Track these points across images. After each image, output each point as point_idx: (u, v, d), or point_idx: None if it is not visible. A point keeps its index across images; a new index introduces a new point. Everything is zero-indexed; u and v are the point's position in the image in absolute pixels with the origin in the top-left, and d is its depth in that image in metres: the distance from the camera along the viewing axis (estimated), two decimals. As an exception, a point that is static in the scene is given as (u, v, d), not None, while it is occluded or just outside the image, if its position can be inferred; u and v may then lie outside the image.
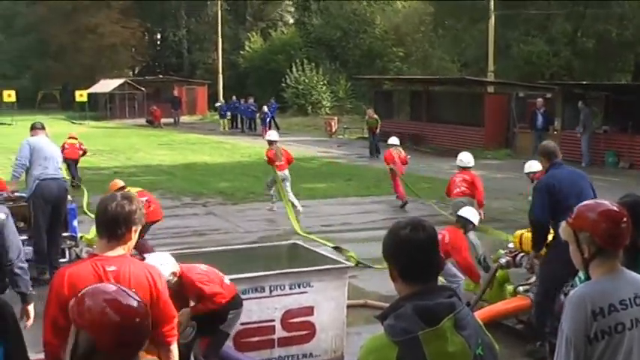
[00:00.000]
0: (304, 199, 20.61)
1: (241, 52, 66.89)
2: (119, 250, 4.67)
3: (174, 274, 7.51)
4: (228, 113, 51.69)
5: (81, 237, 14.05)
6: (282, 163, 19.02)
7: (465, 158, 15.86)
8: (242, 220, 18.48)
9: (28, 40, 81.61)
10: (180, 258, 7.96)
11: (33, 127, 13.17)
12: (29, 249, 12.92)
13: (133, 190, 15.64)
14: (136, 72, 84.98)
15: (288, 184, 18.86)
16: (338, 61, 62.65)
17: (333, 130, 45.34)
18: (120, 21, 75.39)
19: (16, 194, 13.13)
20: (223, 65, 60.01)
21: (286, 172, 19.00)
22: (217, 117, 53.50)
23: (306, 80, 57.38)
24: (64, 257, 13.39)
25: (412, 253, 3.42)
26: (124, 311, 3.11)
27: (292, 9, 73.18)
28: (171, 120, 54.77)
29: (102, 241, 4.70)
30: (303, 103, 57.50)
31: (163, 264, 7.44)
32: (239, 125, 50.54)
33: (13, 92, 58.54)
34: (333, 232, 16.64)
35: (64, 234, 13.50)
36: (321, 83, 57.73)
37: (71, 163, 23.08)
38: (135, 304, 3.18)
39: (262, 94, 56.89)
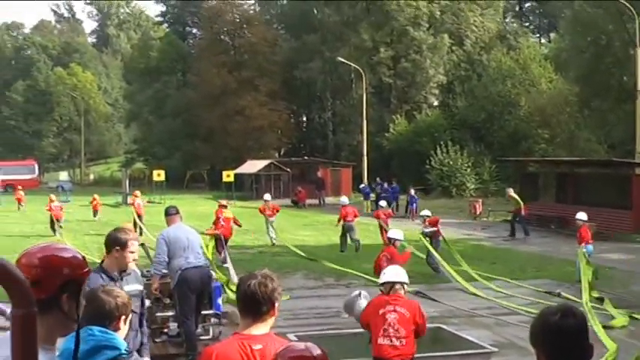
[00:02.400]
0: (449, 281, 20.44)
1: (386, 134, 67.30)
2: (263, 328, 4.70)
3: None
4: (372, 195, 51.93)
5: None
6: (270, 212, 30.41)
7: (344, 200, 30.77)
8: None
9: (177, 122, 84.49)
10: (322, 339, 7.96)
11: (167, 213, 12.87)
12: (174, 325, 13.16)
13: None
14: (282, 153, 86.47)
15: (274, 224, 30.73)
16: (482, 143, 62.34)
17: (478, 212, 44.92)
18: (267, 104, 77.21)
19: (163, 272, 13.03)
20: (368, 147, 60.40)
21: (273, 218, 30.59)
22: (362, 198, 53.78)
23: (451, 162, 57.22)
24: (208, 334, 13.49)
25: (562, 340, 3.33)
26: None
27: (437, 91, 73.41)
28: (316, 201, 55.32)
29: (246, 320, 4.73)
30: (447, 185, 57.26)
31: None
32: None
33: (162, 172, 60.50)
34: (476, 317, 16.38)
35: (209, 312, 13.58)
36: (466, 165, 57.44)
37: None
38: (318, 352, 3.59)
39: (406, 175, 57.03)
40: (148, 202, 55.93)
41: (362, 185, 54.82)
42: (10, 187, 69.02)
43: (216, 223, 25.29)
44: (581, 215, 22.14)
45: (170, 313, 13.05)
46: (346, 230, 28.02)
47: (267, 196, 32.91)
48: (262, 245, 30.10)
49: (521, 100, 62.13)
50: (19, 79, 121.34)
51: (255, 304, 4.67)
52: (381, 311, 8.83)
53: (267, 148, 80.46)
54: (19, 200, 53.09)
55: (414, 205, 44.85)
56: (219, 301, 13.93)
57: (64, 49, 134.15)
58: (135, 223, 32.75)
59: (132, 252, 7.51)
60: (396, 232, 17.68)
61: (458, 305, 17.55)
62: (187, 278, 12.14)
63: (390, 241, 17.19)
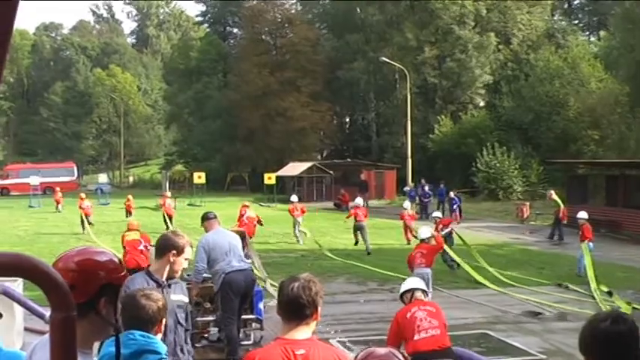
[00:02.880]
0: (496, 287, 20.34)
1: (430, 135, 67.00)
2: (306, 332, 4.70)
3: None
4: (417, 197, 51.70)
5: None
6: (298, 213, 33.62)
7: (358, 201, 33.58)
8: (431, 307, 18.30)
9: (218, 123, 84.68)
10: (365, 345, 7.96)
11: (205, 218, 12.88)
12: (214, 330, 13.20)
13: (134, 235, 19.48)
14: (324, 155, 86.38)
15: (300, 223, 33.70)
16: (530, 145, 61.86)
17: (525, 215, 44.58)
18: (309, 105, 77.09)
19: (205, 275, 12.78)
20: (412, 148, 60.12)
21: (300, 218, 33.62)
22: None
23: (497, 164, 56.88)
24: (249, 340, 13.50)
25: (613, 347, 3.30)
26: None
27: (483, 91, 72.90)
28: (359, 204, 55.10)
29: (289, 324, 4.73)
30: (493, 188, 56.94)
31: None
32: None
33: (203, 174, 60.73)
34: (523, 323, 16.27)
35: (250, 316, 13.61)
36: (513, 167, 57.05)
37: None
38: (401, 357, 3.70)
39: (452, 178, 56.81)
40: (189, 205, 56.26)
41: (406, 188, 54.57)
42: (49, 189, 69.68)
43: (239, 220, 28.68)
44: (582, 214, 24.07)
45: (211, 318, 13.11)
46: (357, 229, 30.49)
47: (294, 198, 36.31)
48: (304, 249, 30.15)
49: (569, 100, 61.47)
50: (57, 81, 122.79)
51: (298, 307, 4.67)
52: (408, 315, 9.02)
53: (309, 150, 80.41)
54: (57, 202, 53.61)
55: (456, 207, 44.66)
56: (261, 305, 13.92)
57: (103, 49, 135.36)
58: (166, 225, 36.74)
59: (186, 258, 7.36)
60: (425, 230, 19.16)
61: (505, 309, 17.47)
62: (231, 281, 12.11)
63: (424, 240, 18.51)
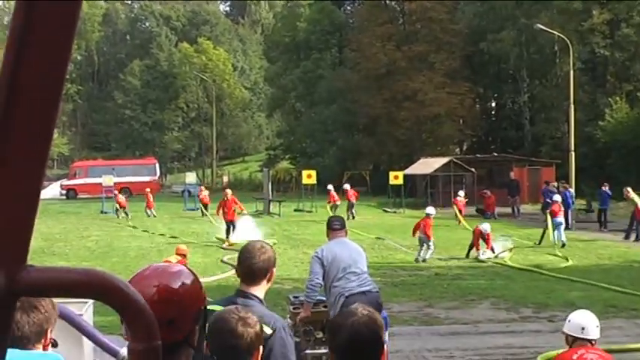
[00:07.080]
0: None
1: (600, 122, 65.87)
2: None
3: None
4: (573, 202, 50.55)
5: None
6: (353, 198, 52.21)
7: (330, 187, 55.38)
8: (601, 341, 17.96)
9: (332, 110, 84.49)
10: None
11: (330, 227, 12.80)
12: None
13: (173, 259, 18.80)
14: (465, 149, 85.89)
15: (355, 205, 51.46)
16: None
17: None
18: (445, 86, 76.41)
19: (318, 298, 12.74)
20: (576, 140, 59.18)
21: (355, 202, 52.30)
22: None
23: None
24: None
25: None
26: None
27: (669, 65, 71.45)
28: (509, 209, 54.49)
29: None
30: (680, 190, 55.83)
31: None
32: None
33: (313, 173, 59.77)
34: None
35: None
36: None
37: None
38: None
39: (627, 176, 55.77)
40: (296, 210, 56.46)
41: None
42: (125, 190, 70.70)
43: (200, 195, 47.35)
44: None
45: (323, 351, 13.11)
46: (332, 209, 50.59)
47: (346, 186, 55.98)
48: (439, 266, 29.93)
49: None
50: (135, 59, 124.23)
51: None
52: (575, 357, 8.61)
53: (445, 143, 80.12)
54: (149, 207, 54.89)
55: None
56: (385, 337, 13.65)
57: (191, 20, 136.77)
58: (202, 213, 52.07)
59: None
60: (431, 209, 32.10)
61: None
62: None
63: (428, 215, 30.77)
